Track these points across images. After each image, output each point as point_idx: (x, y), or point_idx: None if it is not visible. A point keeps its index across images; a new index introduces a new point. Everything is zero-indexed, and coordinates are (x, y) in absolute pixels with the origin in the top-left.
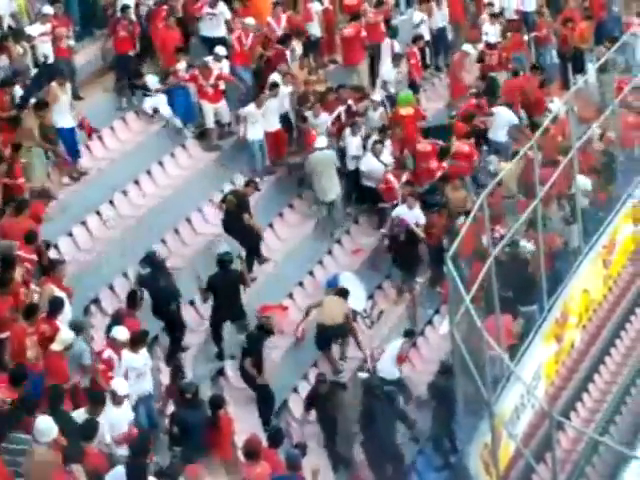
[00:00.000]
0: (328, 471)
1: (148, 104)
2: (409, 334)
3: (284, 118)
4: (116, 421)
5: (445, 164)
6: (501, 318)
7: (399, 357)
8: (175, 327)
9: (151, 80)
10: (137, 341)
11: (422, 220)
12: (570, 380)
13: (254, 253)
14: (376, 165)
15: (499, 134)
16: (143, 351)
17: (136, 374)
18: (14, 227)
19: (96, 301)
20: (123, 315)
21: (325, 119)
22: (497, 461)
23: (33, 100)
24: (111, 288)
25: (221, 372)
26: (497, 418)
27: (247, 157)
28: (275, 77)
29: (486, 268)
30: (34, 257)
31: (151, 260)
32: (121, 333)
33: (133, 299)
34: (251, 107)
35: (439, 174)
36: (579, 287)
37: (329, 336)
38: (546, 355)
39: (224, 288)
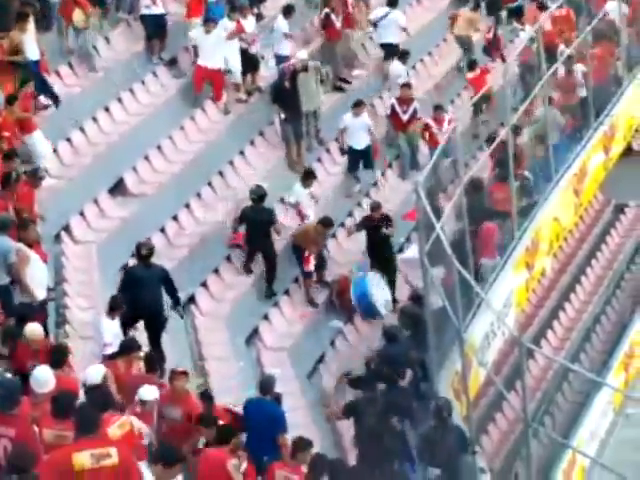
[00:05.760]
0: None
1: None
2: None
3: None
4: None
5: None
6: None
7: None
8: (270, 256)
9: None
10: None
11: None
12: (541, 308)
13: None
14: None
15: None
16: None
17: None
18: None
19: (66, 228)
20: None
21: None
22: (467, 389)
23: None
24: (82, 214)
25: (191, 299)
26: (467, 345)
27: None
28: None
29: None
30: None
31: (257, 193)
32: (150, 393)
33: None
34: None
35: None
36: (550, 215)
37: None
38: (517, 282)
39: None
